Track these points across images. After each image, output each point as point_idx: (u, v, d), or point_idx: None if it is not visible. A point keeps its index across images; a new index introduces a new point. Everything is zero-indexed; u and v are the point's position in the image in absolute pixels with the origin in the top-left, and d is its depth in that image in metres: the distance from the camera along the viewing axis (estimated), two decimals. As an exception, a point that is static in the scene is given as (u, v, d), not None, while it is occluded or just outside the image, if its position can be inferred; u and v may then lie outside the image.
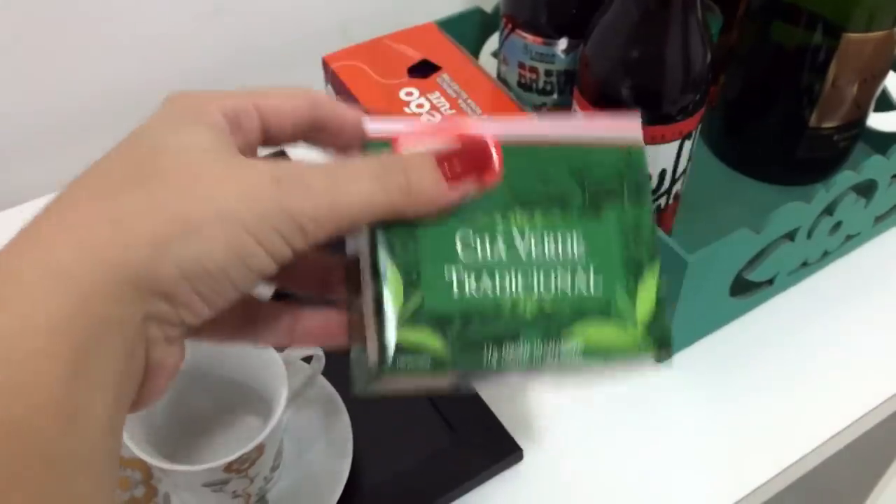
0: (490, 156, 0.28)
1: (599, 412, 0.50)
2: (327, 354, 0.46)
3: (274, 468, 0.45)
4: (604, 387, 0.51)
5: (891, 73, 0.58)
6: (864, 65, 0.55)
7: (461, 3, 0.78)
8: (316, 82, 0.59)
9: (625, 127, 0.31)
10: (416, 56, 0.57)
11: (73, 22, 0.61)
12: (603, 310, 0.29)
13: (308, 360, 0.47)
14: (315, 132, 0.29)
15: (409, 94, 0.54)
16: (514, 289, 0.28)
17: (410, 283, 0.27)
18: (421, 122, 0.28)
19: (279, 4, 0.69)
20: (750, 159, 0.63)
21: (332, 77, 0.56)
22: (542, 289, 0.28)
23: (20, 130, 0.64)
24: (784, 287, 0.56)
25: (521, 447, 0.48)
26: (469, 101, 0.53)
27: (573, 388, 0.51)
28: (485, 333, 0.28)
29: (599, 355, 0.30)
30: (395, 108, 0.53)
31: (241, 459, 0.41)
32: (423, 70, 0.56)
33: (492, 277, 0.28)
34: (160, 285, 0.23)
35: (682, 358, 0.53)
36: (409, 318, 0.27)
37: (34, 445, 0.21)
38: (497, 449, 0.48)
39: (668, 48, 0.46)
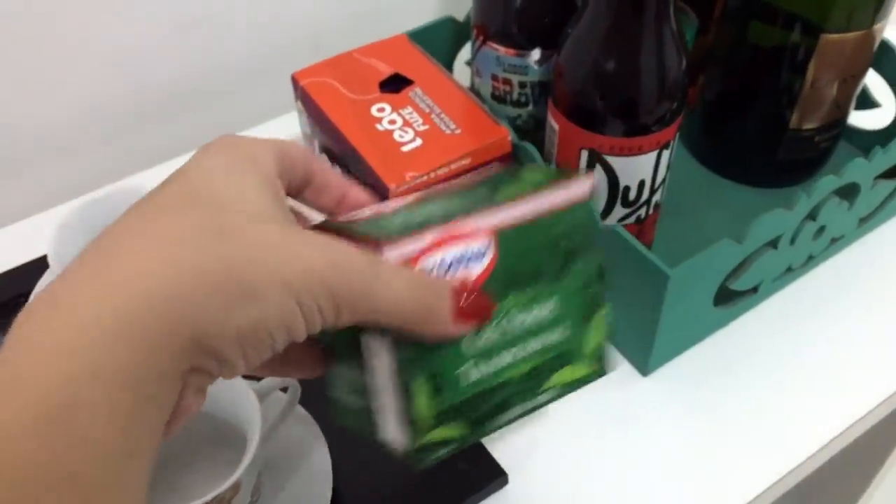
0: (488, 304, 0.29)
1: (584, 432, 0.49)
2: (303, 383, 0.45)
3: (252, 503, 0.44)
4: (588, 406, 0.50)
5: (870, 70, 0.57)
6: (844, 65, 0.54)
7: (433, 13, 0.76)
8: (283, 101, 0.57)
9: (581, 189, 0.31)
10: (387, 70, 0.55)
11: (51, 33, 0.59)
12: (572, 356, 0.32)
13: (285, 390, 0.46)
14: (304, 185, 0.31)
15: (381, 109, 0.52)
16: (506, 363, 0.30)
17: (436, 392, 0.29)
18: (429, 236, 0.28)
19: (257, 16, 0.68)
20: (730, 162, 0.62)
21: (301, 94, 0.55)
22: (527, 355, 0.30)
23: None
24: (769, 293, 0.55)
25: (506, 471, 0.46)
26: (442, 115, 0.52)
27: (554, 411, 0.50)
28: (486, 408, 0.30)
29: (565, 391, 0.32)
30: (366, 124, 0.51)
31: (217, 499, 0.40)
32: (394, 84, 0.54)
33: (489, 359, 0.30)
34: (218, 346, 0.24)
35: (666, 371, 0.52)
36: (434, 424, 0.29)
37: (88, 493, 0.22)
38: (481, 474, 0.46)
39: (643, 59, 0.45)
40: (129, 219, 0.26)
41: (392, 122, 0.51)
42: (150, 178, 0.63)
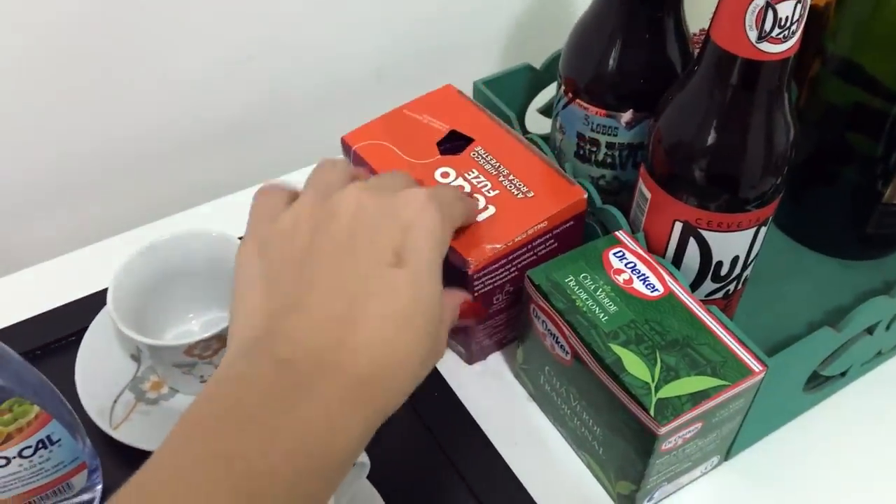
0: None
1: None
2: (371, 458, 0.43)
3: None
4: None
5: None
6: (947, 142, 0.51)
7: (500, 54, 0.74)
8: (345, 128, 0.54)
9: None
10: (441, 128, 0.52)
11: (104, 68, 0.58)
12: None
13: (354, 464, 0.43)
14: None
15: (445, 174, 0.49)
16: None
17: None
18: None
19: (311, 51, 0.66)
20: (814, 232, 0.59)
21: (355, 159, 0.52)
22: None
23: (42, 183, 0.61)
24: (855, 377, 0.52)
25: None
26: (512, 177, 0.49)
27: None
28: None
29: None
30: None
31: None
32: (453, 143, 0.51)
33: None
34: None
35: (749, 455, 0.49)
36: None
37: None
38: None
39: (752, 134, 0.42)
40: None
41: (460, 188, 0.48)
42: (206, 213, 0.62)
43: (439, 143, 0.51)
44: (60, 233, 0.62)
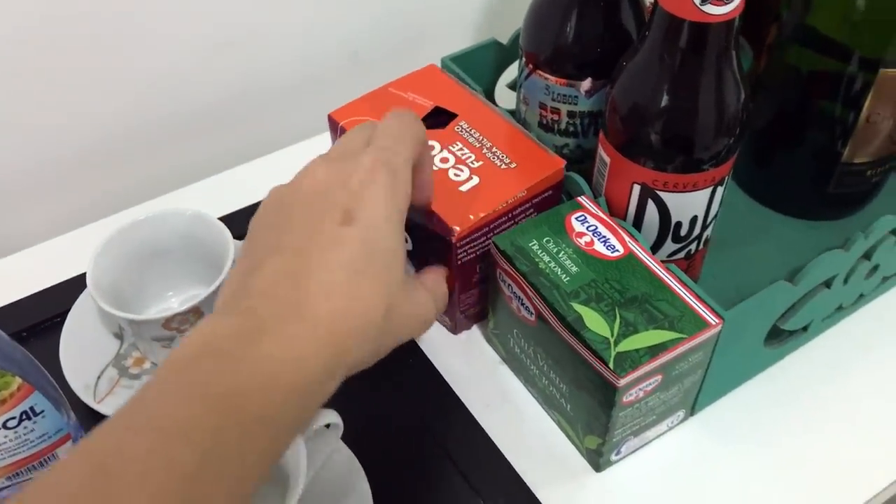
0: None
1: (630, 471, 0.48)
2: (345, 419, 0.44)
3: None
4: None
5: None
6: (901, 100, 0.52)
7: (469, 32, 0.75)
8: (324, 113, 0.56)
9: None
10: (426, 104, 0.54)
11: (82, 55, 0.59)
12: None
13: (327, 426, 0.45)
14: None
15: (430, 147, 0.51)
16: None
17: None
18: None
19: (289, 36, 0.67)
20: (777, 193, 0.61)
21: (342, 134, 0.53)
22: None
23: (26, 171, 0.62)
24: (818, 332, 0.54)
25: (551, 513, 0.46)
26: (494, 149, 0.50)
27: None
28: None
29: None
30: None
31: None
32: (438, 119, 0.53)
33: None
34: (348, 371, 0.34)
35: (712, 411, 0.51)
36: None
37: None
38: (523, 512, 0.46)
39: (703, 96, 0.44)
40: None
41: (444, 160, 0.50)
42: (186, 196, 0.63)
43: (424, 119, 0.53)
44: (45, 220, 0.64)
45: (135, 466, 0.27)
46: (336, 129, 0.54)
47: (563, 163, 0.50)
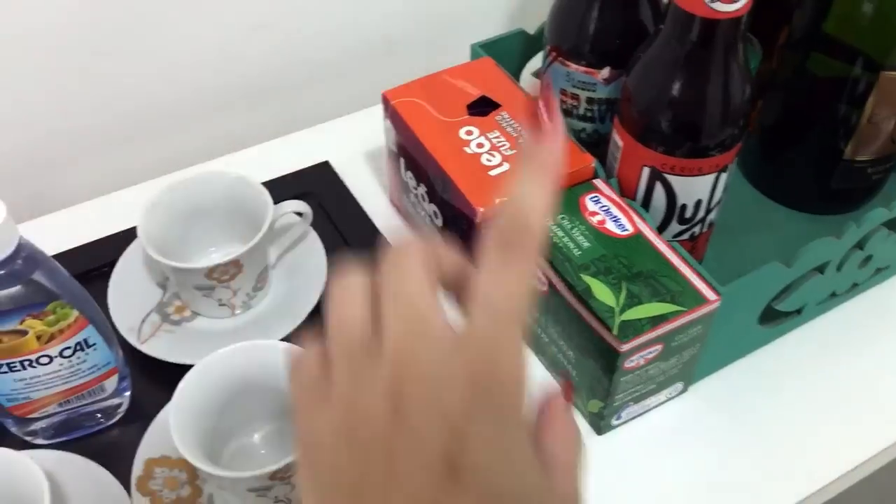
0: None
1: (629, 435, 0.52)
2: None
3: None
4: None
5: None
6: (902, 102, 0.56)
7: (501, 21, 0.79)
8: (357, 99, 0.59)
9: None
10: (474, 92, 0.57)
11: (119, 37, 0.63)
12: None
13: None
14: None
15: (469, 132, 0.54)
16: None
17: None
18: None
19: (322, 19, 0.71)
20: (782, 187, 0.64)
21: (391, 113, 0.57)
22: None
23: (71, 136, 0.67)
24: (812, 316, 0.57)
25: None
26: None
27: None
28: None
29: None
30: (454, 147, 0.53)
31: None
32: (482, 107, 0.56)
33: None
34: None
35: (707, 384, 0.54)
36: None
37: None
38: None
39: (709, 87, 0.47)
40: None
41: (480, 145, 0.53)
42: (231, 161, 0.68)
43: (469, 106, 0.56)
44: (100, 177, 0.68)
45: None
46: (387, 107, 0.58)
47: (592, 159, 0.53)
